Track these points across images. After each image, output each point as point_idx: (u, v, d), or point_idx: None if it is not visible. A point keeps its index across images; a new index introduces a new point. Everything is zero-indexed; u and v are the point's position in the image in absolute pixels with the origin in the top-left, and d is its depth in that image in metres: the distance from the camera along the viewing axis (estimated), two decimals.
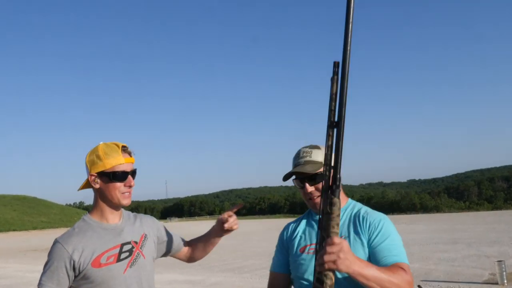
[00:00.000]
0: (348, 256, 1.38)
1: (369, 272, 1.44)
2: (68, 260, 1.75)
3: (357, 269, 1.41)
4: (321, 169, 1.80)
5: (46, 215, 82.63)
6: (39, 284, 1.79)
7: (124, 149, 1.86)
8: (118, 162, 1.81)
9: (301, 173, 1.82)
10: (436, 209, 72.99)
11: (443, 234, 21.19)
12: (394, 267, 1.57)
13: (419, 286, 7.88)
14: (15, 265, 16.98)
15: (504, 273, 8.23)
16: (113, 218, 1.90)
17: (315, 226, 1.83)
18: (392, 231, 1.73)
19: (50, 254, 1.80)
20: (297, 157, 1.87)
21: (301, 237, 1.87)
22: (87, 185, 1.91)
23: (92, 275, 1.76)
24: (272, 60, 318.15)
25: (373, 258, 1.64)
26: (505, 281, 8.17)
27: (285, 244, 1.93)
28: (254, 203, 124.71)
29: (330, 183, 1.36)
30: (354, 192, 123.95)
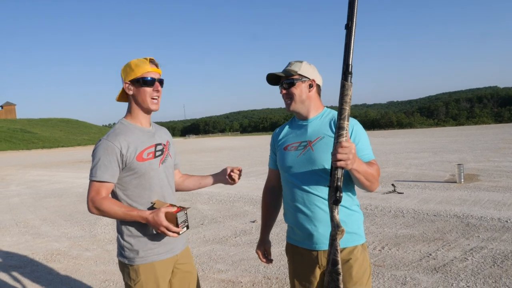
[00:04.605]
0: (354, 157, 1.48)
1: (362, 168, 1.57)
2: (119, 154, 1.76)
3: (355, 166, 1.52)
4: (295, 76, 1.81)
5: (87, 134, 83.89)
6: (94, 176, 1.74)
7: (152, 60, 1.87)
8: (146, 70, 1.83)
9: (272, 74, 1.85)
10: (410, 125, 73.16)
11: (414, 145, 21.43)
12: (370, 162, 1.68)
13: (392, 184, 8.12)
14: (65, 173, 17.55)
15: (462, 174, 8.41)
16: (146, 122, 1.91)
17: (296, 129, 1.90)
18: (362, 133, 1.76)
19: (99, 151, 1.76)
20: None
21: (285, 138, 1.93)
22: (123, 95, 1.91)
23: (136, 167, 1.80)
24: None
25: None
26: (462, 180, 8.38)
27: (273, 145, 2.03)
28: (258, 122, 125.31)
29: (344, 70, 1.45)
30: None
